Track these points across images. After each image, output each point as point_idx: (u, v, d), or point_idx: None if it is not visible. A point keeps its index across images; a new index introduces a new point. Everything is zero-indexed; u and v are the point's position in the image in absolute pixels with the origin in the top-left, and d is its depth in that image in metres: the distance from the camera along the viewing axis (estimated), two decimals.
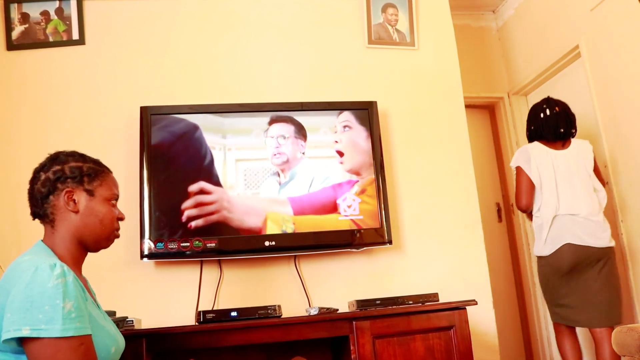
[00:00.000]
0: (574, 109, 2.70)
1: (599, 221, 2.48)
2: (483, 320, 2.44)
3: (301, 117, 2.40)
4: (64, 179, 1.27)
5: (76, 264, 1.29)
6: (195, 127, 2.30)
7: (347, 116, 2.45)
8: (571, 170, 2.53)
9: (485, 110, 4.10)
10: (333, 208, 2.34)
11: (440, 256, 2.50)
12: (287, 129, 2.38)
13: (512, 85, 3.84)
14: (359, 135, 2.43)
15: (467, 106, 2.87)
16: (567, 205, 2.48)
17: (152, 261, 2.25)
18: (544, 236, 2.51)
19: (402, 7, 2.74)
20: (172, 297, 2.26)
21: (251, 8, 2.63)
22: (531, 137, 2.69)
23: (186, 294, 2.27)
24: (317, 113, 2.42)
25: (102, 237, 1.32)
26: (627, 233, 2.84)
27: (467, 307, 2.01)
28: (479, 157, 3.76)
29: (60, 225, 1.27)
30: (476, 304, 2.03)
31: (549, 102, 2.67)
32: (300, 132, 2.39)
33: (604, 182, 2.65)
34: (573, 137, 2.64)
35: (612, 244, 2.49)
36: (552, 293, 2.54)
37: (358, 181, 2.38)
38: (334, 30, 2.68)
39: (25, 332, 1.02)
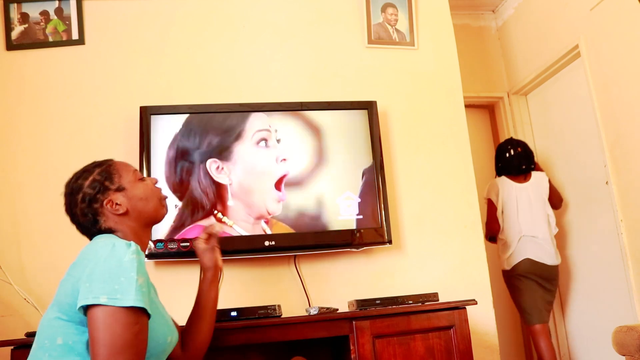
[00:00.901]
0: (573, 108, 2.80)
1: (551, 242, 3.13)
2: (483, 320, 2.44)
3: (303, 117, 2.39)
4: (94, 198, 1.33)
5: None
6: (192, 122, 2.30)
7: (349, 115, 2.44)
8: (531, 200, 3.17)
9: (485, 110, 4.10)
10: (335, 210, 2.33)
11: (440, 256, 2.50)
12: (290, 130, 2.37)
13: (511, 84, 3.84)
14: (363, 134, 2.42)
15: (467, 106, 2.87)
16: (528, 229, 3.12)
17: (152, 261, 2.25)
18: (508, 253, 3.15)
19: (401, 7, 2.74)
20: (172, 296, 2.25)
21: (250, 8, 2.63)
22: (499, 172, 3.32)
23: (186, 293, 2.25)
24: (319, 113, 2.41)
25: (157, 208, 1.42)
26: (627, 233, 2.84)
27: (467, 307, 2.01)
28: (479, 156, 3.76)
29: (120, 228, 1.35)
30: (476, 303, 2.02)
31: (511, 143, 3.31)
32: (303, 132, 2.38)
33: (561, 201, 3.33)
34: (533, 170, 3.27)
35: (560, 261, 3.17)
36: (525, 299, 3.11)
37: (364, 179, 2.37)
38: (333, 30, 2.68)
39: (102, 300, 1.10)
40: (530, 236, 3.11)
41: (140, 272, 1.15)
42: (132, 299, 1.11)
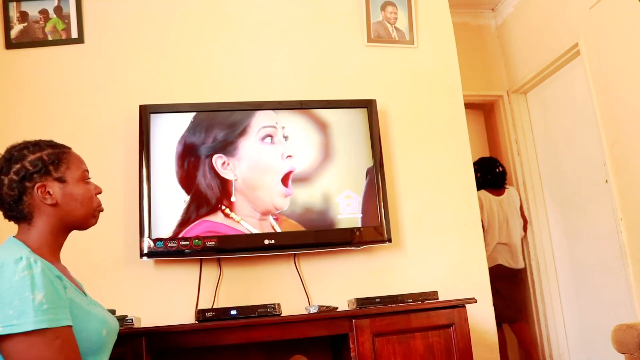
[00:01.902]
0: (572, 107, 2.81)
1: (519, 248, 3.54)
2: (482, 319, 2.44)
3: (310, 114, 2.39)
4: (29, 176, 1.21)
5: (54, 253, 1.26)
6: (198, 117, 2.30)
7: (349, 114, 2.44)
8: (505, 211, 3.54)
9: (484, 109, 4.10)
10: (336, 208, 2.33)
11: (439, 254, 2.50)
12: (296, 126, 2.37)
13: (511, 83, 3.84)
14: (363, 133, 2.42)
15: (467, 104, 2.86)
16: (502, 236, 3.49)
17: (151, 260, 2.25)
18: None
19: (401, 5, 2.74)
20: (172, 295, 2.26)
21: (250, 6, 2.63)
22: (483, 184, 3.60)
23: (186, 292, 2.27)
24: (320, 111, 2.41)
25: (87, 216, 1.30)
26: (627, 231, 2.84)
27: (466, 305, 2.01)
28: (478, 155, 3.77)
29: (39, 220, 1.23)
30: (476, 302, 2.03)
31: (497, 161, 3.72)
32: (310, 129, 2.38)
33: (525, 218, 3.64)
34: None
35: (524, 265, 3.60)
36: (503, 300, 3.37)
37: (368, 178, 2.37)
38: (333, 29, 2.68)
39: None
40: (502, 243, 3.48)
41: (36, 288, 1.03)
42: (31, 322, 1.00)
